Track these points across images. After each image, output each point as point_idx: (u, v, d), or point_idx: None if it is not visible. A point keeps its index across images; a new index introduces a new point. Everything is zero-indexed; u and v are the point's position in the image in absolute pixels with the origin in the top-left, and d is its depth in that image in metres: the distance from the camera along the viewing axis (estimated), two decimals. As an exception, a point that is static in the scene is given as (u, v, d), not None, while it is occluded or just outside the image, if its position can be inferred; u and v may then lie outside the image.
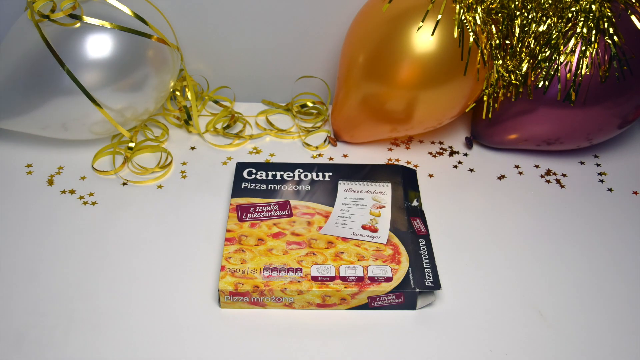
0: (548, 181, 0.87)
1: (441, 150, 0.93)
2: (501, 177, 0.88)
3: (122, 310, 0.67)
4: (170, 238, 0.77)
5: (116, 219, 0.79)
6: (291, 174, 0.83)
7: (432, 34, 0.79)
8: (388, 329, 0.67)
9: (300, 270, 0.69)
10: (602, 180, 0.88)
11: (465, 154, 0.93)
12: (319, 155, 0.92)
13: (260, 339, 0.65)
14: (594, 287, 0.72)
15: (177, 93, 0.95)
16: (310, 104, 1.00)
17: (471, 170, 0.90)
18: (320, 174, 0.83)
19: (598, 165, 0.91)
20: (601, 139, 0.88)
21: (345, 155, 0.92)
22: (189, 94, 0.94)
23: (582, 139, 0.86)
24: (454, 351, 0.64)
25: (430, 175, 0.88)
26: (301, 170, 0.83)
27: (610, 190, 0.86)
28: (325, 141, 0.94)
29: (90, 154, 0.89)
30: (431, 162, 0.91)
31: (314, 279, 0.68)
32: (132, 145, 0.89)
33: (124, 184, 0.85)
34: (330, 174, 0.83)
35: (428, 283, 0.68)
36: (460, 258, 0.75)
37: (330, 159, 0.91)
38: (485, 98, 0.86)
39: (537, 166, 0.90)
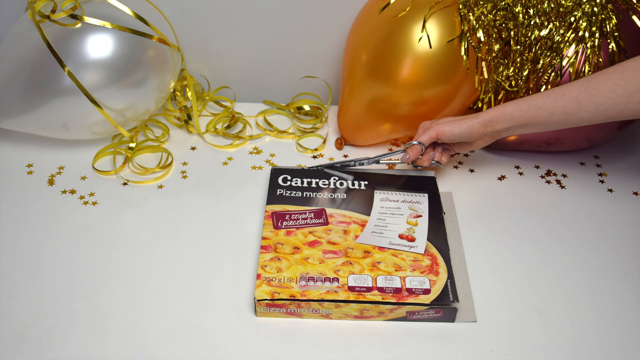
0: (548, 182, 0.87)
1: (441, 151, 0.93)
2: (501, 178, 0.88)
3: (122, 310, 0.67)
4: (171, 238, 0.77)
5: (117, 219, 0.79)
6: (326, 182, 0.81)
7: (430, 46, 0.79)
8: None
9: (337, 280, 0.68)
10: (602, 181, 0.88)
11: (466, 155, 0.92)
12: (320, 155, 0.92)
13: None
14: (595, 288, 0.72)
15: (178, 93, 0.95)
16: (307, 107, 1.00)
17: (472, 170, 0.90)
18: (357, 183, 0.81)
19: (598, 166, 0.91)
20: (601, 140, 0.88)
21: (345, 156, 0.92)
22: (189, 94, 0.94)
23: (582, 139, 0.86)
24: (454, 350, 0.65)
25: (431, 176, 0.88)
26: (337, 178, 0.82)
27: (610, 190, 0.86)
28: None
29: (90, 154, 0.89)
30: (431, 163, 0.91)
31: (351, 289, 0.67)
32: (132, 145, 0.89)
33: (125, 184, 0.85)
34: (366, 182, 0.81)
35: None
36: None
37: (331, 159, 0.91)
38: (484, 104, 0.86)
39: (537, 167, 0.90)
